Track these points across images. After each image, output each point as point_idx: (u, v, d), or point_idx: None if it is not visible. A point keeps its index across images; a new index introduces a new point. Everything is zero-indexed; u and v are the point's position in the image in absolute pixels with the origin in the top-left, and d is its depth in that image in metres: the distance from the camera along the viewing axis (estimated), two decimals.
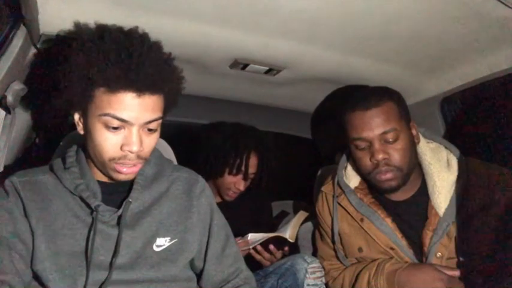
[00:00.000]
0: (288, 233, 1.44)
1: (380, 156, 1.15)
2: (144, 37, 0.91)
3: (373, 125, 1.16)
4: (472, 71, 1.40)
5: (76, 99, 0.89)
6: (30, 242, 0.93)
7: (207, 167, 1.59)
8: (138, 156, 0.91)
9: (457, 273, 1.12)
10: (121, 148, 0.88)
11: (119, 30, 0.91)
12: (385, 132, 1.15)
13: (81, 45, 0.87)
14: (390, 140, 1.16)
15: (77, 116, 0.94)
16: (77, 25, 0.94)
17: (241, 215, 1.60)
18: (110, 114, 0.86)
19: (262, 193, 1.74)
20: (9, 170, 1.03)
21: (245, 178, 1.59)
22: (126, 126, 0.88)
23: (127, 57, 0.85)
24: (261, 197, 1.76)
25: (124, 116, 0.86)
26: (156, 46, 0.92)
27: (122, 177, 0.93)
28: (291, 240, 1.43)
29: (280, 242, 1.43)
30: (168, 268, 0.98)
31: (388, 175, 1.17)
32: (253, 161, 1.60)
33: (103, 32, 0.88)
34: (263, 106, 1.93)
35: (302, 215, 1.54)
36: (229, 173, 1.58)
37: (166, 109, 0.96)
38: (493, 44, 1.24)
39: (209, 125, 1.81)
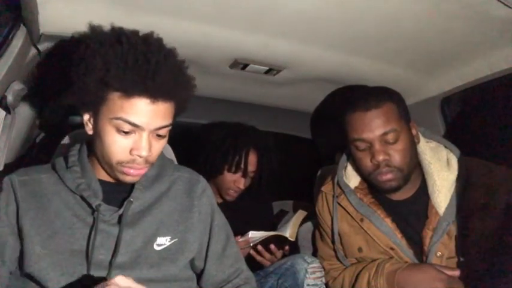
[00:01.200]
0: (288, 232, 1.44)
1: (380, 158, 1.15)
2: (160, 43, 0.91)
3: (373, 126, 1.16)
4: (472, 71, 1.40)
5: (89, 100, 0.89)
6: (8, 246, 0.93)
7: (207, 165, 1.59)
8: (146, 161, 0.92)
9: (457, 273, 1.12)
10: (130, 152, 0.89)
11: (136, 34, 0.90)
12: (385, 133, 1.15)
13: (98, 48, 0.87)
14: (390, 140, 1.16)
15: (86, 117, 0.94)
16: (92, 27, 0.93)
17: (241, 215, 1.59)
18: (122, 118, 0.86)
19: (263, 193, 1.74)
20: (10, 170, 1.03)
21: (244, 175, 1.59)
22: (137, 131, 0.88)
23: (145, 62, 0.84)
24: (262, 197, 1.76)
25: (136, 121, 0.86)
26: (172, 53, 0.92)
27: (128, 179, 0.93)
28: (291, 239, 1.43)
29: (280, 241, 1.43)
30: (168, 268, 0.98)
31: (389, 176, 1.17)
32: (252, 159, 1.60)
33: (120, 35, 0.88)
34: (263, 106, 1.93)
35: (301, 213, 1.55)
36: (229, 171, 1.58)
37: (176, 115, 0.96)
38: (493, 44, 1.24)
39: (209, 124, 1.82)
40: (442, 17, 1.12)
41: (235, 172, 1.58)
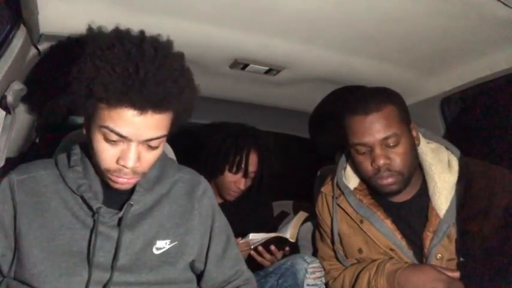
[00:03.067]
0: (289, 233, 1.44)
1: (381, 162, 1.15)
2: (158, 49, 0.84)
3: (374, 130, 1.15)
4: (472, 71, 1.40)
5: (80, 106, 0.87)
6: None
7: (207, 165, 1.59)
8: (134, 172, 0.88)
9: (457, 274, 1.12)
10: (117, 161, 0.86)
11: (137, 37, 0.85)
12: (386, 138, 1.14)
13: (91, 53, 0.83)
14: (391, 144, 1.15)
15: (83, 119, 0.93)
16: (90, 29, 0.89)
17: (242, 216, 1.60)
18: (109, 127, 0.83)
19: (263, 193, 1.74)
20: (9, 170, 1.03)
21: (245, 176, 1.59)
22: (125, 141, 0.85)
23: (133, 73, 0.80)
24: (262, 197, 1.76)
25: (123, 131, 0.83)
26: (171, 60, 0.85)
27: (117, 186, 0.91)
28: (291, 240, 1.43)
29: (281, 242, 1.43)
30: (168, 271, 0.97)
31: (390, 180, 1.17)
32: (253, 159, 1.60)
33: (115, 39, 0.84)
34: (263, 106, 1.93)
35: (302, 215, 1.55)
36: (230, 171, 1.58)
37: (176, 124, 0.93)
38: (493, 44, 1.24)
39: (210, 124, 1.82)
40: (442, 17, 1.12)
41: (236, 172, 1.58)
